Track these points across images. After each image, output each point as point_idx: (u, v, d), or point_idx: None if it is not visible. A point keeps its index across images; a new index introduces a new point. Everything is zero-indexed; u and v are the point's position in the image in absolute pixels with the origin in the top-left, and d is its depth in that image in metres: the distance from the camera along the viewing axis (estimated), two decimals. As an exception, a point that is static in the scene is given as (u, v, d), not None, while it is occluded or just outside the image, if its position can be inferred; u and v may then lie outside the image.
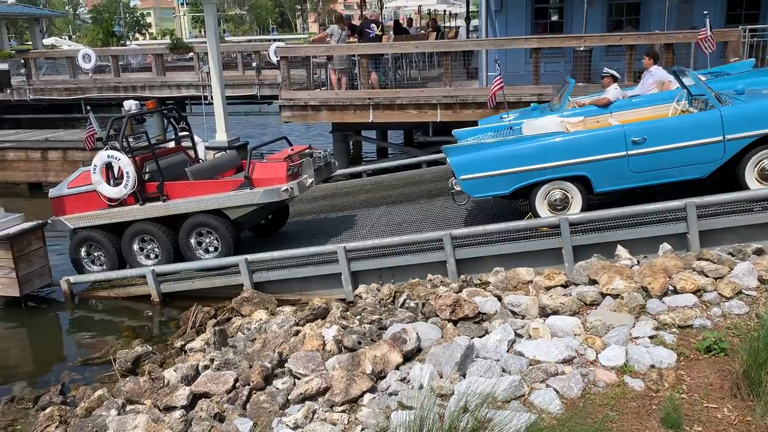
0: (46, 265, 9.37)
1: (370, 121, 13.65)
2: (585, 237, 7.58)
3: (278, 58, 14.67)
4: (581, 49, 13.08)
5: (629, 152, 7.61)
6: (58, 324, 9.03)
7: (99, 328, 8.59)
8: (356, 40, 14.60)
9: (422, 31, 22.00)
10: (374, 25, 14.90)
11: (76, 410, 5.86)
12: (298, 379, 5.40)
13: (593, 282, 6.49)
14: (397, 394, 4.89)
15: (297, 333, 6.52)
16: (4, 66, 21.40)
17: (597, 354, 5.14)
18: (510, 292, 6.82)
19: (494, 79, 10.33)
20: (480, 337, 5.76)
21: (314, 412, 4.76)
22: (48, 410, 5.94)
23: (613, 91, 9.93)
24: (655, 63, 10.15)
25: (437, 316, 6.35)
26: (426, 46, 15.81)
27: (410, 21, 25.03)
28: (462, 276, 7.61)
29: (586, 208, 7.87)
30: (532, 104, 11.21)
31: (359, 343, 5.87)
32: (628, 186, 7.89)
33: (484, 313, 6.33)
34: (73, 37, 68.43)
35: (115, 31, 52.72)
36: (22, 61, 22.73)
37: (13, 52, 24.86)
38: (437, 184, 10.97)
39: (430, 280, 7.67)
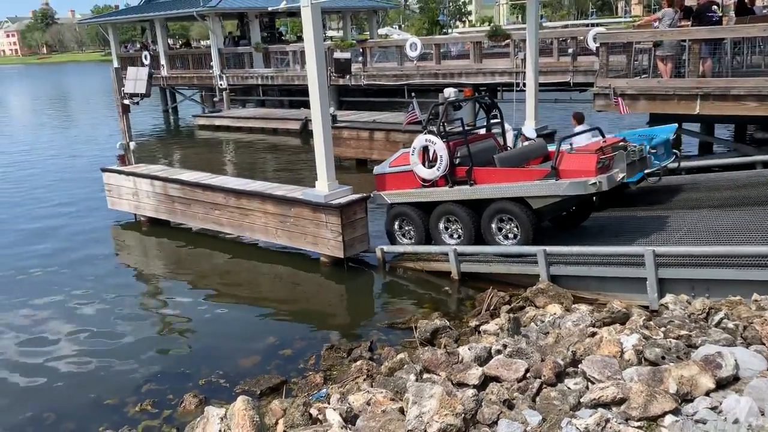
0: (365, 233, 10.54)
1: (696, 113, 12.30)
2: None
3: (597, 44, 14.07)
4: None
5: None
6: (371, 286, 10.12)
7: (404, 296, 9.38)
8: (689, 24, 13.22)
9: (772, 11, 18.94)
10: (716, 7, 13.30)
11: (381, 368, 6.51)
12: (592, 383, 5.19)
13: None
14: (705, 423, 4.39)
15: (593, 334, 6.27)
16: (346, 55, 24.39)
17: None
18: None
19: None
20: (820, 378, 4.83)
21: (607, 420, 4.53)
22: (358, 363, 6.72)
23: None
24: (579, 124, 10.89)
25: (763, 343, 5.51)
26: (777, 28, 13.58)
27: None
28: (799, 301, 6.47)
29: None
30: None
31: (663, 358, 5.40)
32: None
33: (828, 351, 5.29)
34: (402, 26, 74.93)
35: (439, 20, 56.33)
36: (361, 50, 25.67)
37: (354, 42, 28.19)
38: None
39: (756, 300, 6.68)
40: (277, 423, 5.45)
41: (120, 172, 13.51)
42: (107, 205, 14.10)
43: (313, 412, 5.42)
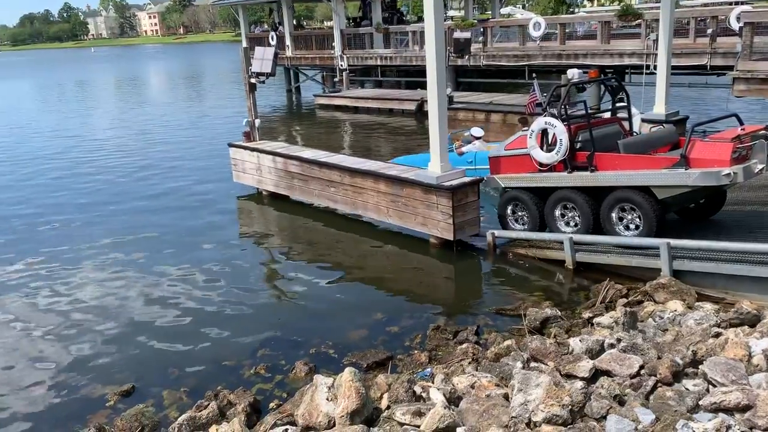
0: (476, 217, 10.43)
1: None
2: None
3: (741, 24, 12.96)
4: None
5: None
6: (479, 270, 10.03)
7: (513, 283, 9.21)
8: None
9: None
10: None
11: (487, 353, 6.46)
12: (713, 386, 4.87)
13: None
14: (843, 442, 4.00)
15: (717, 335, 5.87)
16: (466, 34, 24.06)
17: None
18: None
19: None
20: None
21: (729, 427, 4.24)
22: (464, 346, 6.71)
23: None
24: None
25: None
26: None
27: None
28: None
29: None
30: None
31: (798, 366, 4.96)
32: None
33: None
34: (526, 6, 72.66)
35: (566, -1, 54.14)
36: (482, 29, 25.21)
37: (475, 21, 27.73)
38: None
39: None
40: (381, 397, 5.57)
41: (245, 148, 14.20)
42: (232, 179, 14.91)
43: (417, 389, 5.49)
